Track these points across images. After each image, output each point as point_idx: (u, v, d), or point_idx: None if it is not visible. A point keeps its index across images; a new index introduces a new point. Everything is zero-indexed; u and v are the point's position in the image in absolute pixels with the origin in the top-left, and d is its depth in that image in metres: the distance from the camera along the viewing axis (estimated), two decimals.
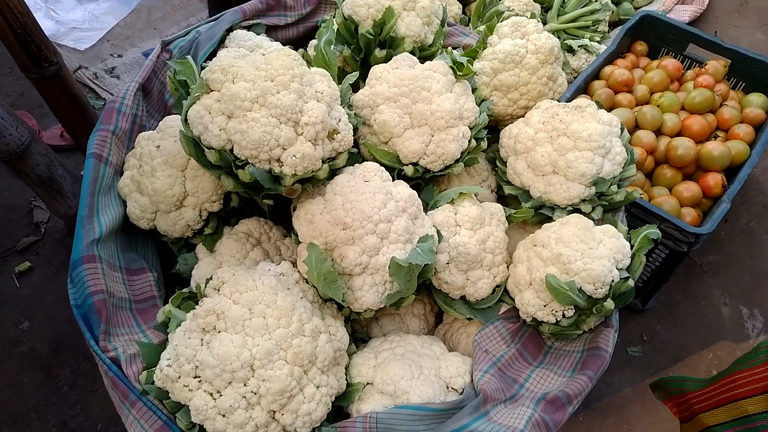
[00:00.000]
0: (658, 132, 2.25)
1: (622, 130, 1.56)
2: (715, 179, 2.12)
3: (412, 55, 1.53)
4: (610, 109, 2.31)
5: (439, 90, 1.45)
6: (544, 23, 2.97)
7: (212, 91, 1.21)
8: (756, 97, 2.38)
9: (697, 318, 2.35)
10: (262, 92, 1.17)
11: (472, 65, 1.61)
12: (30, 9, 1.85)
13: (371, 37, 1.61)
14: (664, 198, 2.08)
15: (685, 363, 2.24)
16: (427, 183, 1.54)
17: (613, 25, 3.23)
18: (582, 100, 1.54)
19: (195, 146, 1.22)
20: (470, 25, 2.68)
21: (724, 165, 2.13)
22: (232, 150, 1.19)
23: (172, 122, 1.45)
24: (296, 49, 1.88)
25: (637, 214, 2.01)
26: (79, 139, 2.19)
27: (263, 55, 1.29)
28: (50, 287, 2.39)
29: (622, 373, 2.21)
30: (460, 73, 1.51)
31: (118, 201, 1.44)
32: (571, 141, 1.46)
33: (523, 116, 1.64)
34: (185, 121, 1.21)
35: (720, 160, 2.12)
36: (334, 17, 1.70)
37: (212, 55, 1.68)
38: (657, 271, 2.18)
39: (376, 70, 1.49)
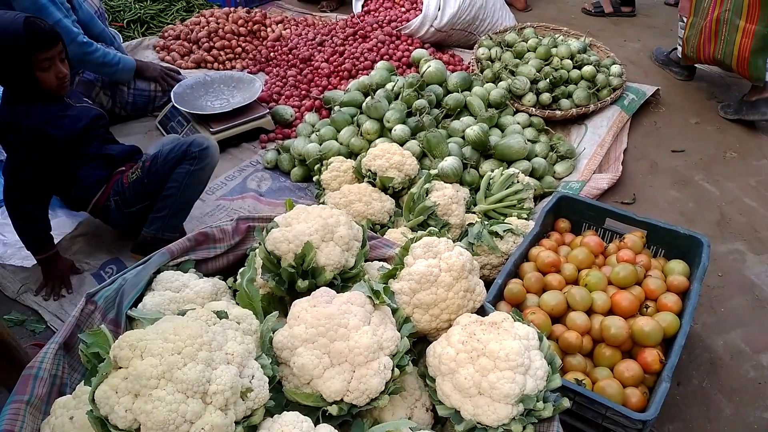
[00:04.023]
0: (590, 311, 2.32)
1: (540, 339, 1.60)
2: (652, 355, 2.15)
3: (330, 289, 1.59)
4: (542, 292, 2.40)
5: (357, 324, 1.48)
6: (474, 204, 3.18)
7: (120, 368, 1.21)
8: (677, 264, 2.51)
9: None
10: (169, 367, 1.18)
11: (391, 287, 1.67)
12: None
13: (293, 270, 1.68)
14: (607, 381, 2.09)
15: None
16: (356, 417, 1.51)
17: (540, 197, 3.47)
18: (497, 315, 1.59)
19: (102, 426, 1.19)
20: (402, 217, 2.84)
21: (658, 339, 2.18)
22: (138, 429, 1.17)
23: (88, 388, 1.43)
24: (226, 279, 1.94)
25: (582, 403, 1.99)
26: (5, 382, 2.13)
27: (176, 316, 1.32)
28: None
29: None
30: (378, 301, 1.57)
31: None
32: (491, 361, 1.48)
33: (447, 329, 1.68)
34: (92, 401, 1.20)
35: (653, 335, 2.17)
36: (256, 253, 1.78)
37: (138, 300, 1.71)
38: None
39: (294, 310, 1.54)
